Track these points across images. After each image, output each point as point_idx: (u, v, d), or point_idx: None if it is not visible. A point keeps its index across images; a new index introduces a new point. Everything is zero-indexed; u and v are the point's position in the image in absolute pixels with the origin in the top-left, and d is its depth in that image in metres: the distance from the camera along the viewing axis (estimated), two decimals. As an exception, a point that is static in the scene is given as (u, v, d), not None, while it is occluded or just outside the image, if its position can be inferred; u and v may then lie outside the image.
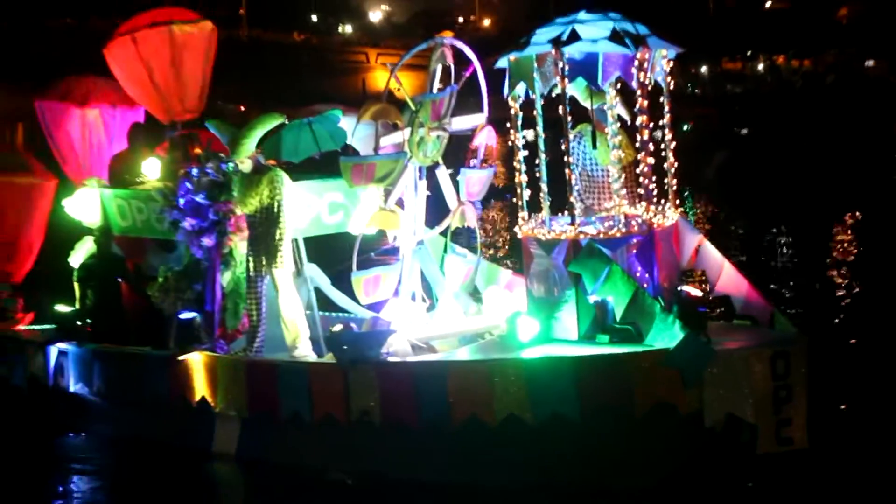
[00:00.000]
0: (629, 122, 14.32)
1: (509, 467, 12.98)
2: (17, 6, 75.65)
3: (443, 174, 15.65)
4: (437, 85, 15.51)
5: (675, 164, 14.22)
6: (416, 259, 15.41)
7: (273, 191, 14.63)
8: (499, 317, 15.25)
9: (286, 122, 15.44)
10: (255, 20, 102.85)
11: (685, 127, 62.93)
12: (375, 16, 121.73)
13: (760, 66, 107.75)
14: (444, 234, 16.07)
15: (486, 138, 15.71)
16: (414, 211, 15.36)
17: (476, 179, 15.83)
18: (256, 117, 15.21)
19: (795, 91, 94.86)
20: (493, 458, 13.01)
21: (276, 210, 14.68)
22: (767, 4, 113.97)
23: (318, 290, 16.12)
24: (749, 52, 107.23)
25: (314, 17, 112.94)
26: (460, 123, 15.58)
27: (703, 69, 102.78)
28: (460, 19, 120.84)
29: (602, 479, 12.70)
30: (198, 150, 16.16)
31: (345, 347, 13.76)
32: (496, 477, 13.03)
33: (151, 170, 16.56)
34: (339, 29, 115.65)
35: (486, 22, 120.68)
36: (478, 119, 15.71)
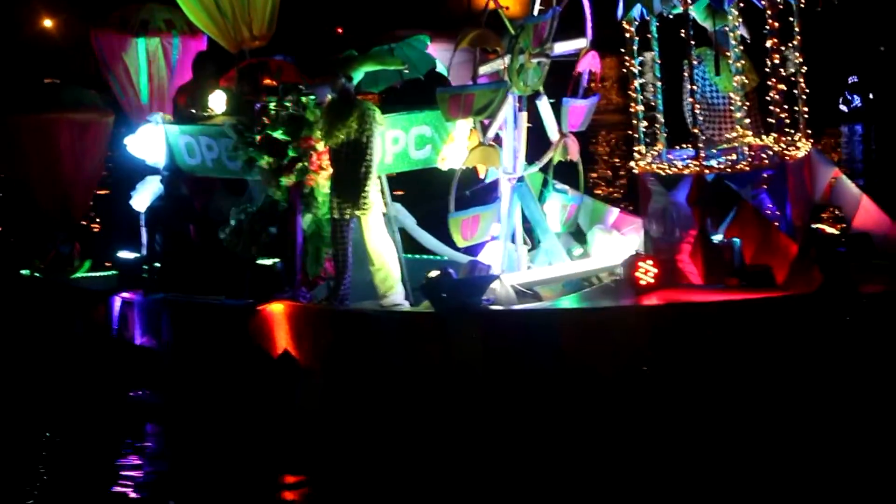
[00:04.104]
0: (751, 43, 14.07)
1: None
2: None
3: (544, 104, 15.33)
4: (538, 7, 15.15)
5: (807, 91, 13.91)
6: (516, 198, 15.12)
7: (363, 125, 14.33)
8: (606, 259, 15.04)
9: (405, 70, 15.29)
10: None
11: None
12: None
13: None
14: (544, 169, 15.77)
15: (589, 63, 15.34)
16: (513, 145, 15.05)
17: (579, 109, 15.50)
18: (379, 50, 15.00)
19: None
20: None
21: (364, 146, 14.40)
22: None
23: (403, 231, 15.90)
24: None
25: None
26: (562, 48, 15.22)
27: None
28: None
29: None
30: (268, 81, 15.89)
31: (444, 295, 13.57)
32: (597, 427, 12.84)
33: (219, 103, 16.30)
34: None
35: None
36: (581, 43, 15.34)
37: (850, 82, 47.63)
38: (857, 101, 47.53)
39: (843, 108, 46.61)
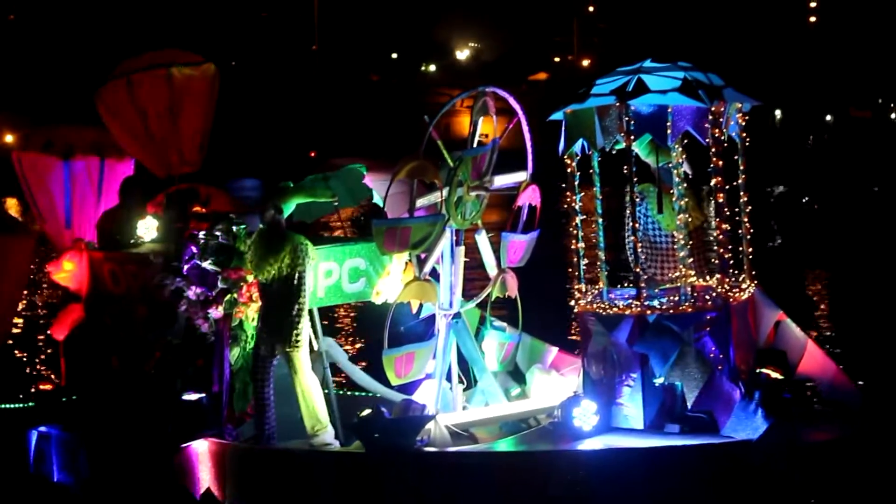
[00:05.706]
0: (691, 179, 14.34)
1: None
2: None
3: (482, 238, 15.52)
4: (477, 138, 15.40)
5: (752, 231, 14.16)
6: (452, 335, 15.25)
7: (295, 260, 14.44)
8: (545, 400, 15.13)
9: (336, 202, 15.47)
10: (329, 58, 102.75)
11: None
12: (463, 54, 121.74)
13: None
14: (481, 305, 15.92)
15: (529, 197, 15.59)
16: (450, 280, 15.22)
17: (519, 244, 15.71)
18: (313, 180, 15.20)
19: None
20: None
21: (295, 281, 14.51)
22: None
23: (334, 367, 15.97)
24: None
25: (394, 55, 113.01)
26: (502, 181, 15.46)
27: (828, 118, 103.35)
28: (556, 59, 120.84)
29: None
30: (197, 209, 15.99)
31: (376, 435, 13.59)
32: None
33: (146, 230, 16.36)
34: (422, 68, 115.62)
35: (586, 62, 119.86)
36: (521, 176, 15.59)
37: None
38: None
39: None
